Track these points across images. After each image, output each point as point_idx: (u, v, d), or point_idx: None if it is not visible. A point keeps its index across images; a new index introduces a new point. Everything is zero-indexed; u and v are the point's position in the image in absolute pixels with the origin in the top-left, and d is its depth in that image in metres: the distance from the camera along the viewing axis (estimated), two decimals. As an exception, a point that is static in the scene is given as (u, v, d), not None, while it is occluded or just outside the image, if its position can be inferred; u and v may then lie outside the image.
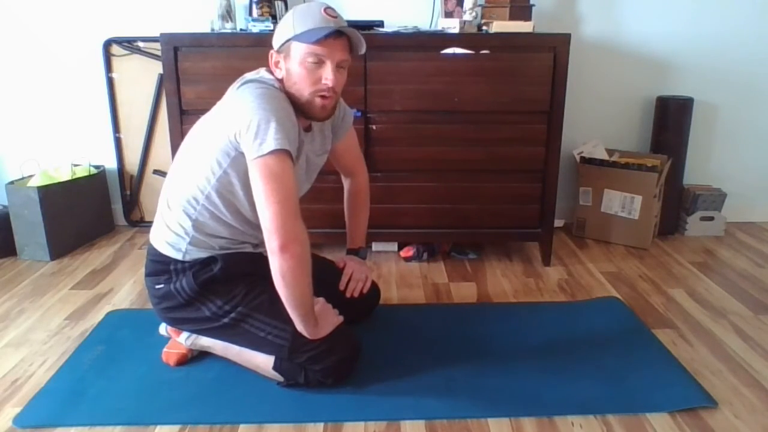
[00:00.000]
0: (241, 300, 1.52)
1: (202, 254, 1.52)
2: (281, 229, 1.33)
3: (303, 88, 1.44)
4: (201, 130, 1.51)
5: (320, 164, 1.71)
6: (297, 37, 1.40)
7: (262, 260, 1.44)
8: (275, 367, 1.54)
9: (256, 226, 1.43)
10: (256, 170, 1.35)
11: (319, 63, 1.42)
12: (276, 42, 1.46)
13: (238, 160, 1.41)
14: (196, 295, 1.51)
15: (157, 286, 1.55)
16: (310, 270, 1.41)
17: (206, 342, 1.65)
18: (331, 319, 1.55)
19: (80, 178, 2.60)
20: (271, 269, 1.37)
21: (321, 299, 1.56)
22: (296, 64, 1.42)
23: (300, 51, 1.41)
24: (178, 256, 1.51)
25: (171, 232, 1.52)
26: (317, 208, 2.18)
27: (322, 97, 1.45)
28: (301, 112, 1.48)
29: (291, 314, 1.44)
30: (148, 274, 1.58)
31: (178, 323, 1.60)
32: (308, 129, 1.58)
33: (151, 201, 2.82)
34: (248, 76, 1.49)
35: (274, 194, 1.33)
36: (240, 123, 1.36)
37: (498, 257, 2.49)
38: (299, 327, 1.47)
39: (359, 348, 1.59)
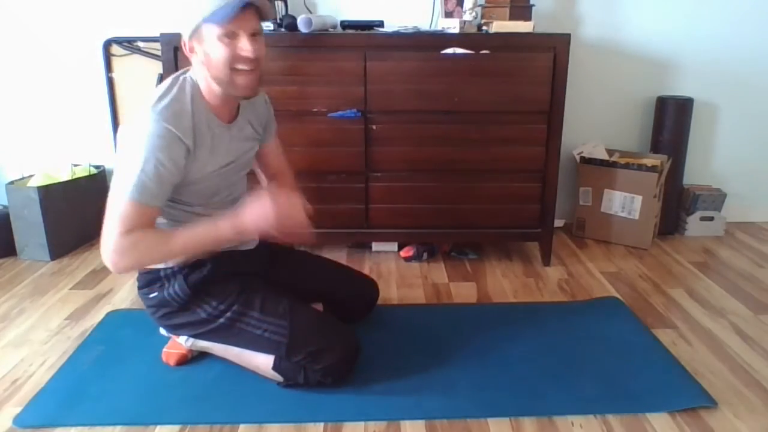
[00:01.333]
0: (236, 298, 1.52)
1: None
2: (103, 252, 1.36)
3: (223, 67, 1.39)
4: None
5: (250, 157, 1.66)
6: (206, 19, 1.36)
7: (251, 257, 1.44)
8: (275, 367, 1.54)
9: (218, 199, 1.50)
10: (111, 202, 1.36)
11: (234, 37, 1.38)
12: (185, 29, 1.40)
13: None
14: (190, 297, 1.51)
15: (151, 296, 1.55)
16: (141, 239, 1.36)
17: (206, 342, 1.64)
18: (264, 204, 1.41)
19: (80, 178, 2.60)
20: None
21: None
22: (211, 45, 1.38)
23: (212, 32, 1.37)
24: (162, 265, 1.51)
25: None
26: (318, 208, 2.17)
27: (244, 72, 1.41)
28: (226, 94, 1.45)
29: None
30: (140, 287, 1.58)
31: (177, 329, 1.60)
32: (232, 120, 1.54)
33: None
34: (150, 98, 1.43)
35: (111, 219, 1.36)
36: (120, 156, 1.36)
37: (498, 257, 2.49)
38: (228, 241, 1.42)
39: (359, 348, 1.59)
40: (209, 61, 1.40)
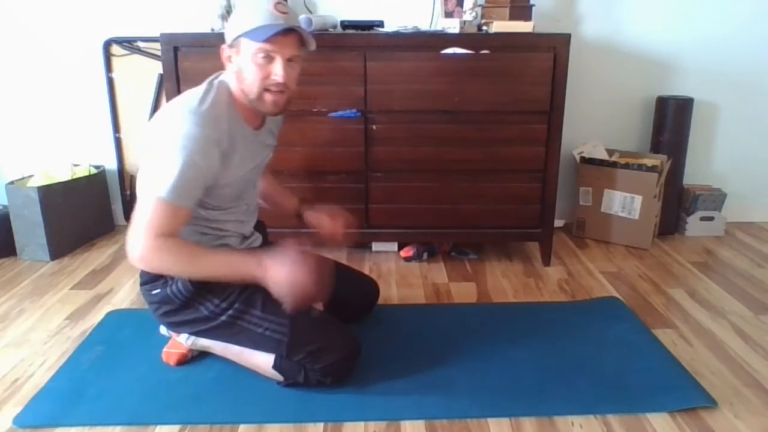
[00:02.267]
0: (237, 296, 1.52)
1: None
2: (128, 249, 1.35)
3: (253, 84, 1.43)
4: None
5: (266, 161, 1.71)
6: (247, 34, 1.39)
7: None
8: (275, 366, 1.54)
9: (230, 211, 1.50)
10: (141, 202, 1.35)
11: (269, 59, 1.41)
12: (227, 37, 1.44)
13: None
14: (192, 295, 1.51)
15: (153, 292, 1.55)
16: (174, 248, 1.36)
17: (206, 342, 1.64)
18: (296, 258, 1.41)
19: (80, 178, 2.60)
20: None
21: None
22: (246, 60, 1.41)
23: (250, 48, 1.40)
24: None
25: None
26: (318, 208, 2.17)
27: (273, 92, 1.44)
28: (254, 107, 1.48)
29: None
30: (143, 283, 1.58)
31: (178, 326, 1.60)
32: (259, 127, 1.58)
33: (151, 201, 2.81)
34: (180, 98, 1.45)
35: (141, 220, 1.34)
36: (148, 156, 1.36)
37: (498, 257, 2.49)
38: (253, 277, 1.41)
39: (359, 347, 1.59)
40: (241, 74, 1.44)
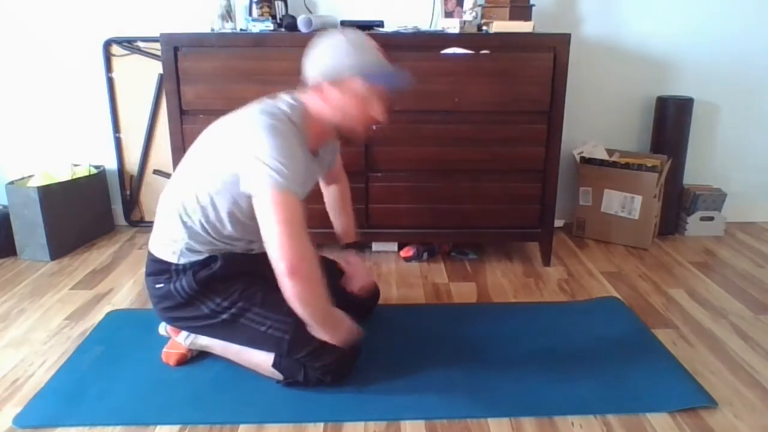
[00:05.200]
0: (239, 296, 1.52)
1: (198, 257, 1.52)
2: (287, 252, 1.34)
3: (360, 121, 1.50)
4: (210, 144, 1.50)
5: (310, 189, 1.74)
6: (369, 78, 1.44)
7: (260, 259, 1.45)
8: (275, 365, 1.54)
9: (250, 233, 1.49)
10: (269, 201, 1.35)
11: (381, 103, 1.49)
12: (330, 72, 1.45)
13: (238, 189, 1.42)
14: (195, 293, 1.51)
15: (157, 286, 1.55)
16: (323, 286, 1.42)
17: (205, 341, 1.65)
18: (346, 325, 1.54)
19: (80, 178, 2.60)
20: (284, 292, 1.37)
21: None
22: (356, 99, 1.46)
23: (363, 88, 1.45)
24: (174, 260, 1.52)
25: (169, 238, 1.52)
26: (318, 208, 2.17)
27: (369, 128, 1.54)
28: (340, 133, 1.54)
29: (315, 329, 1.48)
30: (148, 274, 1.58)
31: (178, 322, 1.61)
32: (316, 153, 1.61)
33: (151, 201, 2.82)
34: (264, 104, 1.46)
35: (281, 220, 1.34)
36: (250, 160, 1.36)
37: (498, 257, 2.49)
38: (324, 337, 1.49)
39: (359, 348, 1.59)
40: (344, 110, 1.48)
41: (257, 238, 1.60)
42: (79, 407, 1.49)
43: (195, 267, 1.52)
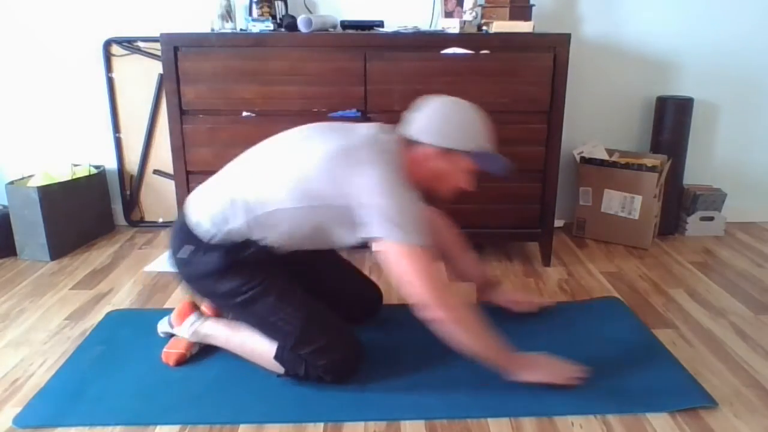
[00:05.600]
0: (259, 284, 1.52)
1: (234, 240, 1.50)
2: (434, 303, 1.42)
3: (450, 189, 1.56)
4: (304, 156, 1.48)
5: None
6: (478, 159, 1.50)
7: (290, 256, 1.53)
8: (276, 357, 1.54)
9: (294, 244, 1.54)
10: (401, 254, 1.40)
11: (473, 177, 1.56)
12: (443, 143, 1.48)
13: (346, 219, 1.45)
14: (219, 272, 1.51)
15: (185, 248, 1.54)
16: (477, 324, 1.47)
17: (209, 330, 1.65)
18: (545, 365, 1.55)
19: (80, 178, 2.60)
20: (440, 335, 1.46)
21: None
22: (458, 172, 1.52)
23: (465, 164, 1.51)
24: (209, 237, 1.51)
25: (216, 215, 1.50)
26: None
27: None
28: (423, 194, 1.56)
29: (481, 360, 1.50)
30: (177, 236, 1.57)
31: (193, 288, 1.60)
32: None
33: (151, 201, 2.82)
34: (377, 143, 1.47)
35: (422, 275, 1.40)
36: (378, 214, 1.40)
37: (498, 257, 2.48)
38: (497, 368, 1.52)
39: (363, 350, 1.61)
40: (442, 177, 1.53)
41: (292, 246, 1.58)
42: (79, 407, 1.49)
43: (227, 246, 1.51)
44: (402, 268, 1.41)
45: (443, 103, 1.51)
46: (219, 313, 1.73)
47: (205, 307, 1.74)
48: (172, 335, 1.74)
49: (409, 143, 1.51)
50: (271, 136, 1.65)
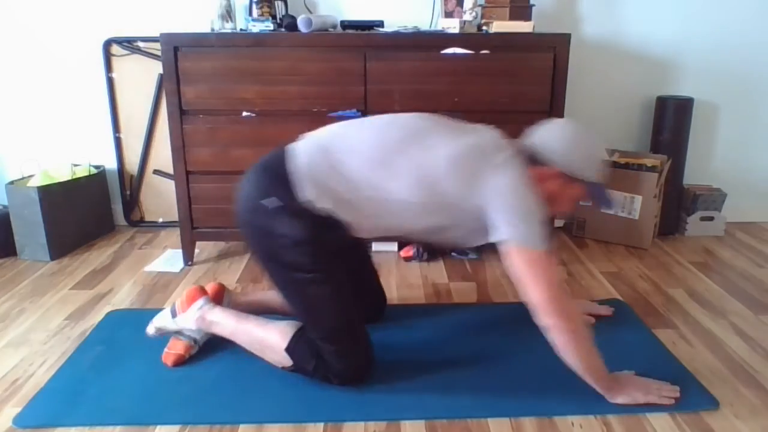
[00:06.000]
0: (325, 270, 1.48)
1: (326, 207, 1.43)
2: (550, 309, 1.41)
3: (551, 207, 1.53)
4: (425, 148, 1.45)
5: None
6: (592, 189, 1.53)
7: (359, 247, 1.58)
8: (287, 349, 1.52)
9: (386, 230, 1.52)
10: (523, 258, 1.41)
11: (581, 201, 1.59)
12: (571, 168, 1.49)
13: (470, 219, 1.46)
14: (296, 242, 1.44)
15: (272, 199, 1.43)
16: (589, 340, 1.47)
17: (216, 317, 1.63)
18: (640, 386, 1.53)
19: (80, 178, 2.60)
20: (554, 344, 1.45)
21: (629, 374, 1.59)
22: (567, 193, 1.53)
23: (580, 194, 1.54)
24: (303, 201, 1.43)
25: (321, 181, 1.43)
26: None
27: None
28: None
29: (583, 376, 1.49)
30: (269, 179, 1.47)
31: (254, 237, 1.50)
32: None
33: (151, 201, 2.82)
34: (506, 144, 1.50)
35: (541, 280, 1.40)
36: (509, 205, 1.41)
37: (498, 257, 2.48)
38: (596, 387, 1.50)
39: (373, 359, 1.60)
40: (553, 197, 1.52)
41: (372, 234, 1.56)
42: (79, 407, 1.49)
43: (317, 219, 1.43)
44: (526, 271, 1.41)
45: (574, 128, 1.51)
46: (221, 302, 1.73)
47: (212, 293, 1.71)
48: (163, 332, 1.69)
49: (533, 159, 1.50)
50: (363, 118, 1.62)
